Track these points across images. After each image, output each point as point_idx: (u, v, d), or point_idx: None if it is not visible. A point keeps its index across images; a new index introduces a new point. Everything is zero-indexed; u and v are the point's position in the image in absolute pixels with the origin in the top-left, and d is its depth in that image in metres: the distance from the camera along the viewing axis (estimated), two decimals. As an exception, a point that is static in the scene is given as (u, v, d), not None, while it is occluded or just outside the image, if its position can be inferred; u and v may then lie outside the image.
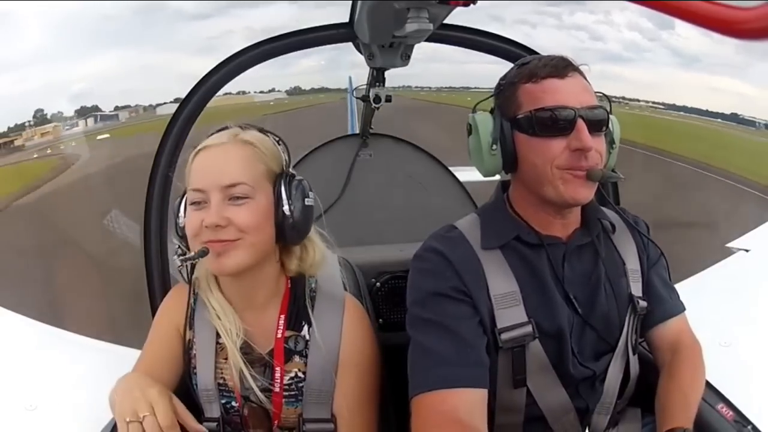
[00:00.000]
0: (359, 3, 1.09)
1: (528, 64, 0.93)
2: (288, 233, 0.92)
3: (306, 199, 0.94)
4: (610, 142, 0.96)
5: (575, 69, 0.92)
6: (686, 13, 0.39)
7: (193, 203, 0.91)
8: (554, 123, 0.88)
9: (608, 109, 0.93)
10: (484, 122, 0.96)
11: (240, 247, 0.89)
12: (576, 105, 0.88)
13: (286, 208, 0.91)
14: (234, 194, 0.88)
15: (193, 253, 0.88)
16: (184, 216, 0.94)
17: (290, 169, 0.97)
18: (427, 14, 0.82)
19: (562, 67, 0.90)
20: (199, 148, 0.94)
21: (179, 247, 0.97)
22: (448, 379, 0.85)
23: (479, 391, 0.86)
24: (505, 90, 0.95)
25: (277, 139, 0.99)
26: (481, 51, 1.43)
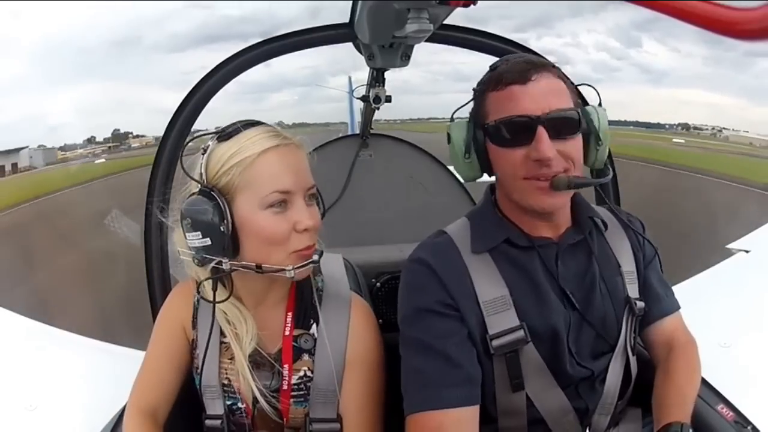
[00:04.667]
0: (359, 3, 1.09)
1: (496, 69, 0.91)
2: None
3: None
4: (596, 139, 0.93)
5: (544, 69, 0.89)
6: (686, 13, 0.39)
7: (272, 206, 0.85)
8: (514, 133, 0.87)
9: (582, 107, 0.91)
10: (458, 130, 0.95)
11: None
12: (536, 112, 0.85)
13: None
14: (311, 195, 0.90)
15: (315, 257, 0.89)
16: (232, 223, 0.84)
17: None
18: (428, 15, 0.82)
19: (526, 70, 0.88)
20: (264, 147, 0.86)
21: (226, 262, 0.86)
22: (434, 400, 0.86)
23: (467, 408, 0.86)
24: (478, 97, 0.94)
25: None
26: (482, 52, 1.43)
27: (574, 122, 0.89)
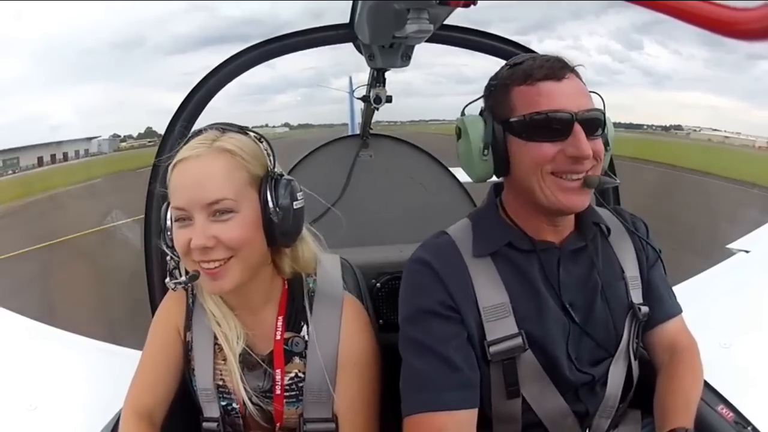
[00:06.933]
0: (359, 3, 1.09)
1: (521, 65, 0.89)
2: (278, 239, 0.89)
3: (295, 201, 0.89)
4: (605, 144, 0.92)
5: (571, 70, 0.89)
6: (686, 13, 0.39)
7: (177, 220, 0.86)
8: (550, 128, 0.85)
9: (603, 111, 0.91)
10: (475, 125, 0.91)
11: (232, 265, 0.85)
12: (573, 109, 0.85)
13: (273, 213, 0.87)
14: (217, 210, 0.84)
15: (183, 278, 0.87)
16: (172, 229, 0.89)
17: (276, 169, 0.92)
18: (428, 15, 0.82)
19: (558, 68, 0.87)
20: (177, 159, 0.87)
21: (171, 258, 0.94)
22: (434, 402, 0.86)
23: (467, 411, 0.86)
24: (497, 91, 0.91)
25: (258, 137, 0.93)
26: (482, 52, 1.43)
27: (601, 123, 0.89)
